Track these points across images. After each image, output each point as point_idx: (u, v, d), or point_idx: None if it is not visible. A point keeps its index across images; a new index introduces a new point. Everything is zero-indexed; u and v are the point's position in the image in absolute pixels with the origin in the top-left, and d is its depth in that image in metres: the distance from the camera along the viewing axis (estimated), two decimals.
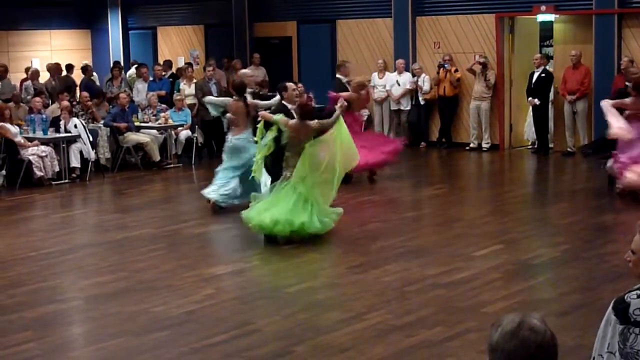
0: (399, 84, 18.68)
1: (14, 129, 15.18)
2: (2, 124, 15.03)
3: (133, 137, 16.77)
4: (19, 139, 15.11)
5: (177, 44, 23.17)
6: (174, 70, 20.51)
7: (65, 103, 16.41)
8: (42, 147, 15.18)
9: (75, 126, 15.77)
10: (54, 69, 20.29)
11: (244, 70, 15.51)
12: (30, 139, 15.29)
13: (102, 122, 16.80)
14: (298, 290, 8.67)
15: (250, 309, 8.13)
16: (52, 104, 17.68)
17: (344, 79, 15.38)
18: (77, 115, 16.41)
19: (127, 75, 20.45)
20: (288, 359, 6.80)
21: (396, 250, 10.17)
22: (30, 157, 14.97)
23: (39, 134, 15.51)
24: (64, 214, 13.37)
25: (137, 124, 17.24)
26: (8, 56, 22.33)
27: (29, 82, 19.73)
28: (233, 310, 8.17)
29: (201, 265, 9.80)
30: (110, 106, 17.72)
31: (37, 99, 16.60)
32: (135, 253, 10.43)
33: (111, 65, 21.63)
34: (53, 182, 15.16)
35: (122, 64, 22.01)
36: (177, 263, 9.94)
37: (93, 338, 7.52)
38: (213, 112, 13.99)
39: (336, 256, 10.10)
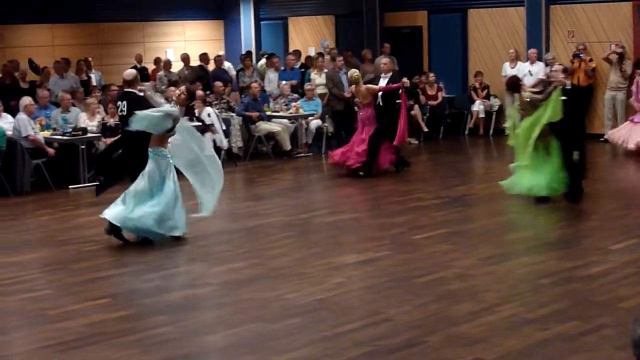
0: (531, 74, 18.35)
1: None
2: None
3: (265, 126, 17.00)
4: None
5: (308, 34, 23.31)
6: (302, 60, 20.68)
7: (199, 92, 16.72)
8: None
9: (209, 115, 16.06)
10: (188, 58, 20.74)
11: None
12: None
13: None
14: (429, 281, 8.62)
15: (381, 298, 8.12)
16: None
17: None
18: (210, 105, 16.70)
19: (259, 65, 20.70)
20: (420, 349, 6.76)
21: (530, 243, 10.02)
22: None
23: None
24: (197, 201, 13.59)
25: (268, 113, 17.47)
26: (144, 47, 22.88)
27: (162, 73, 20.19)
28: (364, 299, 8.19)
29: (332, 254, 9.84)
30: (242, 96, 17.98)
31: (172, 88, 16.95)
32: (267, 240, 10.56)
33: (242, 55, 21.94)
34: None
35: (253, 54, 22.32)
36: (308, 251, 10.01)
37: (227, 323, 7.62)
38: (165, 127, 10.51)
39: (468, 247, 9.99)
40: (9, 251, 10.30)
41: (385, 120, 14.56)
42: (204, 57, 20.94)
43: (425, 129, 18.84)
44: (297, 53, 21.02)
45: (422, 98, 19.09)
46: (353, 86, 15.06)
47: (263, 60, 20.68)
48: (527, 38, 18.92)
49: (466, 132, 19.75)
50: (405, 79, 14.82)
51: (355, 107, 15.98)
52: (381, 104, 14.74)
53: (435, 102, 19.29)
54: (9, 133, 14.20)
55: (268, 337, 7.17)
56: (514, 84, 12.59)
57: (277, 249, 10.13)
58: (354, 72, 14.95)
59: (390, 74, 15.06)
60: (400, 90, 14.57)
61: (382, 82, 14.90)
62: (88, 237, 10.86)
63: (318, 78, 18.77)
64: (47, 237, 11.17)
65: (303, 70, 19.79)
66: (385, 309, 7.74)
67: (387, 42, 20.72)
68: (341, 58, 19.16)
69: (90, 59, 20.18)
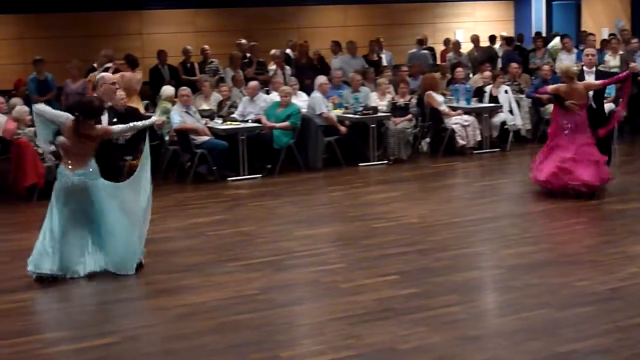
0: None
1: (439, 98, 15.66)
2: (429, 92, 15.56)
3: None
4: (444, 108, 15.58)
5: (602, 15, 22.53)
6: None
7: (488, 73, 16.65)
8: (465, 117, 15.55)
9: (506, 92, 15.96)
10: (478, 40, 20.66)
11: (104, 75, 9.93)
12: (454, 108, 15.70)
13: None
14: None
15: None
16: (474, 75, 17.99)
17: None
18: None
19: (550, 47, 20.24)
20: None
21: None
22: (454, 126, 15.41)
23: (462, 103, 15.86)
24: (484, 182, 13.56)
25: None
26: (433, 27, 23.00)
27: (451, 54, 20.22)
28: None
29: (625, 242, 9.50)
30: (532, 78, 17.68)
31: (459, 69, 16.97)
32: (556, 225, 10.35)
33: (533, 36, 21.57)
34: (474, 151, 15.47)
35: (544, 35, 21.87)
36: (600, 238, 9.74)
37: (515, 307, 7.54)
38: (41, 136, 8.95)
39: None
40: (304, 225, 10.73)
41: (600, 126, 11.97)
42: (475, 38, 20.78)
43: None
44: (583, 34, 20.36)
45: None
46: (564, 85, 11.73)
47: (555, 41, 20.20)
48: None
49: None
50: (633, 64, 12.77)
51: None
52: (594, 105, 12.00)
53: None
54: (304, 111, 14.76)
55: (557, 324, 7.04)
56: None
57: (567, 235, 9.92)
58: (571, 66, 12.18)
59: (594, 69, 12.29)
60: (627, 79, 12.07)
61: (587, 78, 12.07)
62: (377, 214, 11.12)
63: (612, 60, 18.11)
64: (338, 212, 11.51)
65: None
66: None
67: None
68: (636, 40, 18.37)
69: (381, 39, 20.51)
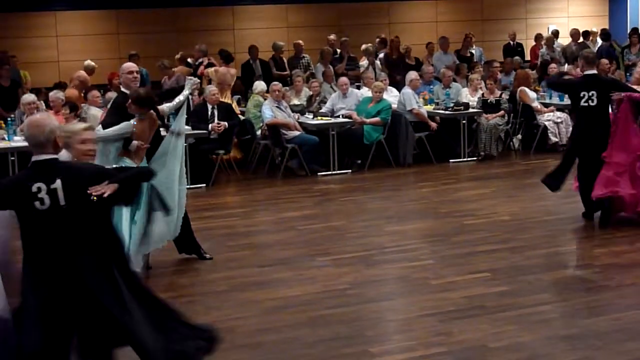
0: None
1: (532, 94, 15.49)
2: (522, 88, 15.39)
3: None
4: (536, 104, 15.40)
5: None
6: None
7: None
8: (558, 114, 15.35)
9: None
10: (578, 34, 20.39)
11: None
12: (546, 105, 15.52)
13: None
14: None
15: None
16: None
17: None
18: None
19: None
20: None
21: None
22: (546, 123, 15.22)
23: (555, 100, 15.65)
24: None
25: None
26: (525, 23, 22.78)
27: (544, 50, 20.00)
28: None
29: None
30: (627, 74, 17.36)
31: (552, 65, 16.77)
32: None
33: (628, 32, 21.18)
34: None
35: None
36: None
37: (609, 307, 7.42)
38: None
39: None
40: (394, 220, 10.74)
41: None
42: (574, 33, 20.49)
43: None
44: None
45: None
46: None
47: None
48: None
49: None
50: None
51: None
52: None
53: None
54: (394, 106, 14.75)
55: None
56: None
57: None
58: None
59: None
60: None
61: None
62: (468, 211, 11.06)
63: None
64: (428, 208, 11.48)
65: None
66: None
67: None
68: None
69: (471, 35, 20.36)
